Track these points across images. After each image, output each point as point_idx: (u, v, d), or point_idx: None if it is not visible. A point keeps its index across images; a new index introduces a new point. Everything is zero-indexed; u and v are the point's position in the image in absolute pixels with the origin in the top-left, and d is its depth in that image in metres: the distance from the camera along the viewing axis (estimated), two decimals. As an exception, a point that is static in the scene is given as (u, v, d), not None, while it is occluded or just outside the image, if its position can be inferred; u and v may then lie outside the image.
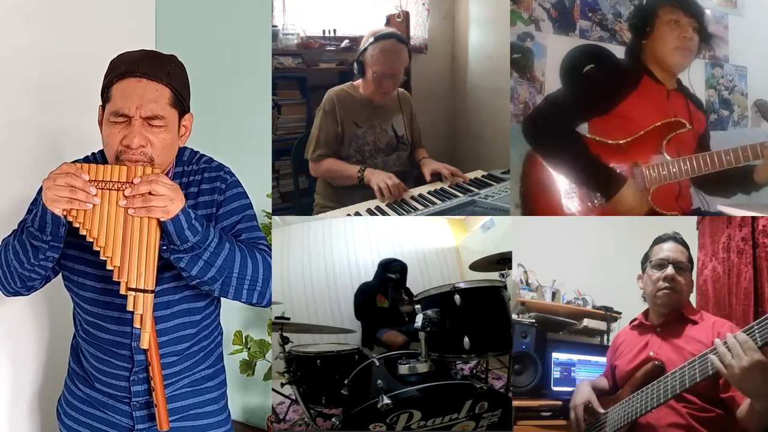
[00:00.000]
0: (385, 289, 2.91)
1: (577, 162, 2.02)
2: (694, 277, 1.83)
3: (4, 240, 1.56)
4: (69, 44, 2.21)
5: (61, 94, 2.19)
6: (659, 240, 1.78)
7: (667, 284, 1.71)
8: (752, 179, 1.97)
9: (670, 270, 1.71)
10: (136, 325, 1.42)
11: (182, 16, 2.56)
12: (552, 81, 2.17)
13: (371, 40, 2.25)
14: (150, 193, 1.38)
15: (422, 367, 2.04)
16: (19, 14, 2.09)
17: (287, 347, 2.43)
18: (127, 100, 1.43)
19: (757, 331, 1.39)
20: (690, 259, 1.75)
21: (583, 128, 2.05)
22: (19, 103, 2.10)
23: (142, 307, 1.41)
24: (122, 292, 1.41)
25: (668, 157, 1.99)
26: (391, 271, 2.94)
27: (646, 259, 1.80)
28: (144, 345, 1.44)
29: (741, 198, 2.05)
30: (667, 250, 1.75)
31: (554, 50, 2.23)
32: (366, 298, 2.91)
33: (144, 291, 1.40)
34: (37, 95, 2.14)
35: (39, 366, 2.18)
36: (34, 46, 2.12)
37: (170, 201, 1.38)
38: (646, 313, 1.79)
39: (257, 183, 1.80)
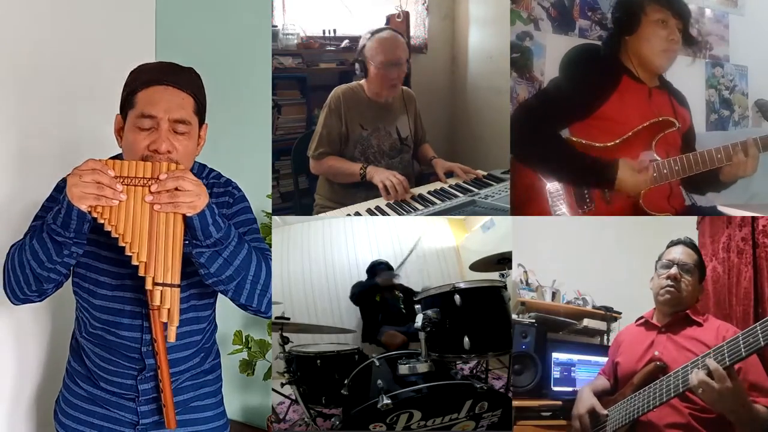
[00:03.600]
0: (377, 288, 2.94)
1: (565, 163, 1.99)
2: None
3: (14, 245, 1.54)
4: (72, 47, 2.21)
5: (70, 98, 2.19)
6: (671, 243, 1.82)
7: (669, 282, 1.74)
8: (720, 179, 1.95)
9: (674, 270, 1.74)
10: (163, 319, 1.43)
11: (182, 16, 2.56)
12: (551, 80, 2.16)
13: (368, 36, 2.26)
14: (176, 189, 1.39)
15: (422, 367, 2.04)
16: (24, 21, 2.09)
17: (287, 347, 2.43)
18: (155, 105, 1.45)
19: (759, 331, 1.40)
20: (699, 264, 1.77)
21: (566, 134, 2.01)
22: (31, 108, 2.11)
23: (169, 301, 1.42)
24: (148, 287, 1.41)
25: (658, 158, 1.95)
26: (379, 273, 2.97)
27: (658, 261, 1.82)
28: (171, 339, 1.44)
29: (728, 197, 2.03)
30: (675, 252, 1.78)
31: (553, 49, 2.23)
32: (361, 290, 2.96)
33: (171, 285, 1.41)
34: (48, 99, 2.14)
35: (40, 367, 2.18)
36: (38, 51, 2.12)
37: (197, 196, 1.40)
38: (652, 312, 1.80)
39: (257, 183, 1.80)
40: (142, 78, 1.49)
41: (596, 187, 1.98)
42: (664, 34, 1.92)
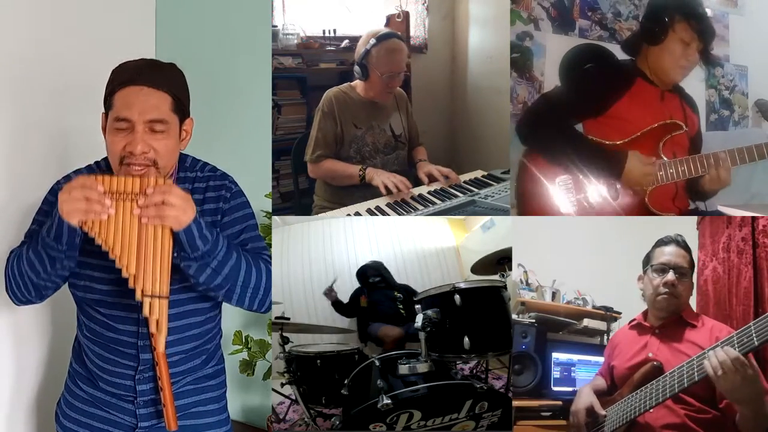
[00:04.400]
0: (367, 291, 2.94)
1: (577, 152, 2.03)
2: (695, 279, 1.84)
3: (13, 251, 1.58)
4: (71, 48, 2.21)
5: (65, 97, 2.19)
6: (661, 242, 1.78)
7: (666, 290, 1.71)
8: (701, 189, 2.00)
9: (670, 276, 1.71)
10: (152, 329, 1.46)
11: (182, 16, 2.56)
12: (551, 80, 2.17)
13: (373, 41, 2.25)
14: (163, 203, 1.41)
15: (422, 367, 2.04)
16: (22, 19, 2.09)
17: (287, 347, 2.43)
18: (130, 107, 1.46)
19: (754, 331, 1.40)
20: (691, 263, 1.76)
21: (578, 129, 2.05)
22: (25, 106, 2.10)
23: (158, 311, 1.45)
24: (137, 299, 1.44)
25: (665, 158, 1.99)
26: (371, 276, 2.96)
27: (647, 260, 1.80)
28: (161, 348, 1.48)
29: (728, 197, 2.05)
30: (669, 254, 1.74)
31: (553, 49, 2.23)
32: (351, 300, 2.97)
33: (159, 297, 1.45)
34: (43, 98, 2.14)
35: (41, 368, 2.18)
36: (36, 49, 2.12)
37: (183, 212, 1.42)
38: (645, 314, 1.79)
39: (257, 183, 1.80)
40: (119, 78, 1.50)
41: (604, 176, 2.01)
42: (685, 53, 1.99)
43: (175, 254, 1.46)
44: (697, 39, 1.97)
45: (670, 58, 1.99)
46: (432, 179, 2.33)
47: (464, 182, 2.33)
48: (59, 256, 1.46)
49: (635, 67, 2.03)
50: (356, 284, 3.05)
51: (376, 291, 2.93)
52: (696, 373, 1.48)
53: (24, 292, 1.55)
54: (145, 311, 1.45)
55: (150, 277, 1.44)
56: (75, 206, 1.40)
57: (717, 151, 1.96)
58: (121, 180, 1.44)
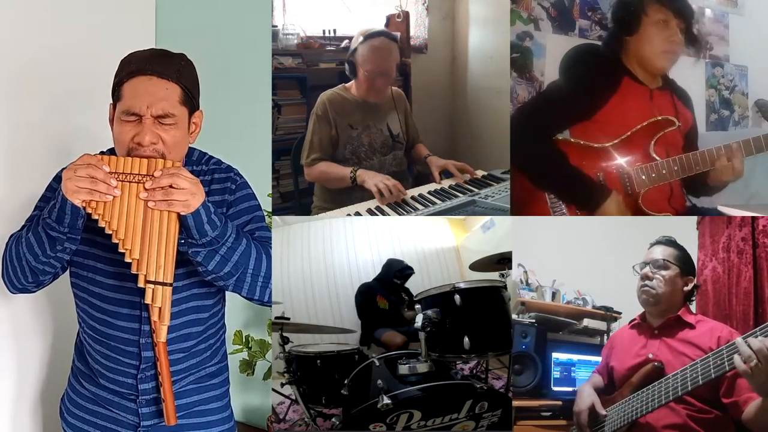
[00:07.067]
0: (385, 291, 2.91)
1: (556, 174, 1.96)
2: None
3: (13, 235, 1.55)
4: (70, 45, 2.21)
5: (65, 94, 2.19)
6: (650, 246, 1.80)
7: (643, 283, 1.73)
8: (708, 183, 1.95)
9: (646, 269, 1.74)
10: (154, 318, 1.43)
11: (182, 16, 2.55)
12: (551, 80, 2.17)
13: (361, 39, 2.25)
14: (171, 186, 1.39)
15: (422, 367, 2.04)
16: (21, 16, 2.09)
17: (287, 347, 2.43)
18: (138, 98, 1.44)
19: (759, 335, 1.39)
20: (680, 259, 1.74)
21: (566, 134, 1.98)
22: (25, 104, 2.10)
23: (161, 299, 1.41)
24: (140, 285, 1.41)
25: (657, 158, 1.93)
26: (400, 278, 2.95)
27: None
28: (162, 338, 1.45)
29: (728, 197, 2.02)
30: (652, 253, 1.77)
31: (553, 49, 2.23)
32: (366, 299, 2.92)
33: (162, 284, 1.41)
34: (43, 95, 2.14)
35: (42, 364, 2.18)
36: (35, 47, 2.12)
37: (191, 195, 1.39)
38: (643, 315, 1.80)
39: (257, 183, 1.80)
40: (127, 68, 1.47)
41: (578, 206, 1.95)
42: (665, 35, 1.90)
43: (182, 240, 1.42)
44: (674, 17, 1.88)
45: (649, 45, 1.90)
46: (448, 174, 2.30)
47: (464, 182, 2.33)
48: (60, 237, 1.43)
49: (621, 66, 1.95)
50: (354, 286, 3.04)
51: (389, 291, 2.91)
52: (700, 377, 1.47)
53: (20, 277, 1.51)
54: (148, 298, 1.41)
55: (154, 262, 1.40)
56: (79, 185, 1.37)
57: (730, 143, 1.88)
58: (128, 161, 1.41)
